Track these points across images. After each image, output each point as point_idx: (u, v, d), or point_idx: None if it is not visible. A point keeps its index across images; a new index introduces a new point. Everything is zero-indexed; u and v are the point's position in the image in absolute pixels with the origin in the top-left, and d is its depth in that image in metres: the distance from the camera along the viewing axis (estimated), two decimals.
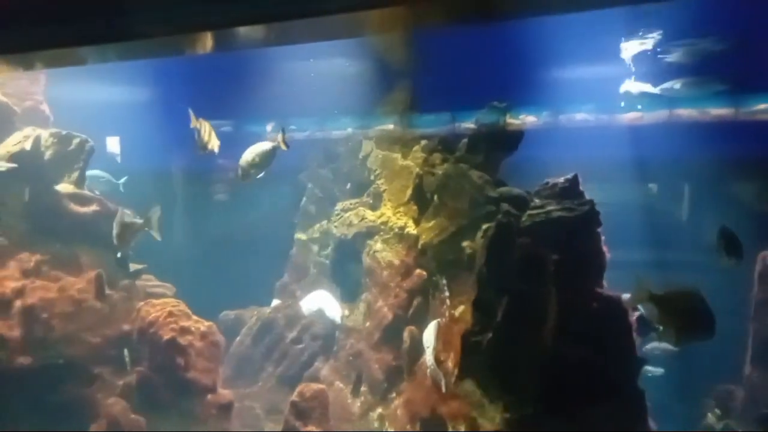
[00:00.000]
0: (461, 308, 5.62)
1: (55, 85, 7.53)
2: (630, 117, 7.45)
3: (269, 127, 8.62)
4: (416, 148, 6.86)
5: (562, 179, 5.05)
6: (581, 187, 5.03)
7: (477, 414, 4.94)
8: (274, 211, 8.88)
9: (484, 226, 5.30)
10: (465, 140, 5.90)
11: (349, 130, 8.27)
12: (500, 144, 5.70)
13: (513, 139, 5.67)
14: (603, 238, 4.95)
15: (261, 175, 5.25)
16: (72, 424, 6.08)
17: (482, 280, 5.05)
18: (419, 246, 6.29)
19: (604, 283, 4.91)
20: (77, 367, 6.27)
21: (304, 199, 8.44)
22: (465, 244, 5.56)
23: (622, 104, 7.27)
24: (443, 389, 5.23)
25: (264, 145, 5.23)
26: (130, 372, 6.30)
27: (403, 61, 7.34)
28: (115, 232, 5.53)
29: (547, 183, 5.09)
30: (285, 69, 7.68)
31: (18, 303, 6.22)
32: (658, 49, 6.67)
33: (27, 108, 7.12)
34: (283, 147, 5.20)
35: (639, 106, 7.22)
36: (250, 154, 5.22)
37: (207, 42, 3.42)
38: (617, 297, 4.77)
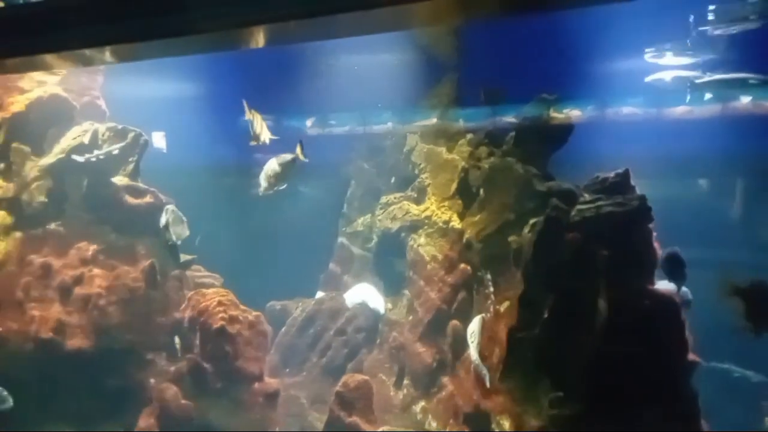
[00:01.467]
0: (506, 304, 5.58)
1: (109, 81, 7.82)
2: (680, 111, 7.23)
3: (309, 122, 8.72)
4: (462, 141, 6.83)
5: (612, 174, 4.95)
6: (632, 182, 4.93)
7: (522, 410, 4.91)
8: (319, 205, 9.00)
9: (532, 221, 5.23)
10: (512, 133, 5.84)
11: (390, 124, 8.29)
12: (549, 137, 5.62)
13: (562, 132, 5.58)
14: (654, 234, 4.84)
15: (283, 187, 5.45)
16: (127, 407, 6.33)
17: (529, 276, 5.00)
18: (464, 240, 6.27)
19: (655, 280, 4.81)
20: (131, 353, 6.50)
21: (349, 192, 8.52)
22: (511, 239, 5.50)
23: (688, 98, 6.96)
24: (487, 384, 5.21)
25: (284, 158, 5.40)
26: (181, 359, 6.50)
27: (445, 54, 7.31)
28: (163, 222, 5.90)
29: (598, 177, 4.99)
30: (327, 63, 7.75)
31: (77, 290, 6.50)
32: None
33: (85, 103, 7.41)
34: (302, 158, 5.32)
35: (708, 96, 6.88)
36: (270, 167, 5.41)
37: (252, 37, 3.49)
38: (669, 294, 4.66)
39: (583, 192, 5.04)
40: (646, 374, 4.48)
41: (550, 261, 4.83)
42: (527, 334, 4.86)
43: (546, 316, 4.73)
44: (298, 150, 5.30)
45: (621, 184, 4.88)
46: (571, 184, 5.32)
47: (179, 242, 6.38)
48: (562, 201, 4.97)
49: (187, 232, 6.42)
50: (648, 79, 7.09)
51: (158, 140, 8.57)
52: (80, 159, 6.71)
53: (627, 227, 4.70)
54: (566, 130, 5.61)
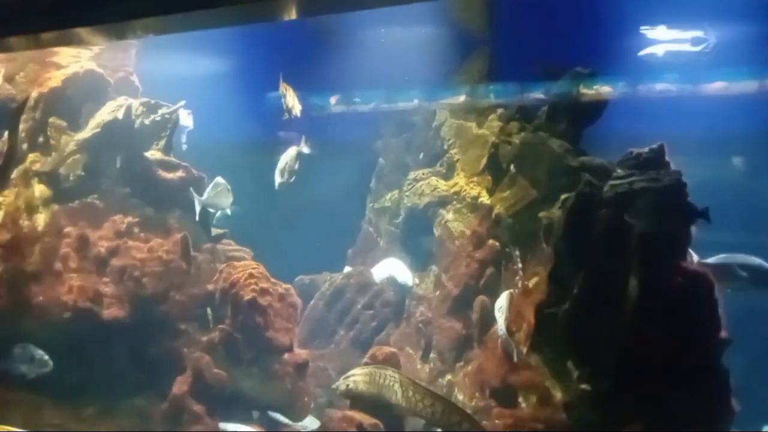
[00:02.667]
0: (535, 280, 5.56)
1: (142, 57, 7.90)
2: (716, 87, 7.00)
3: (333, 100, 8.69)
4: (492, 116, 6.76)
5: (646, 149, 4.85)
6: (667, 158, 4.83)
7: (550, 385, 4.93)
8: (347, 181, 9.02)
9: (563, 197, 5.18)
10: (545, 108, 5.75)
11: (416, 101, 8.21)
12: (583, 112, 5.52)
13: (597, 108, 5.48)
14: None
15: (293, 179, 6.25)
16: (160, 375, 6.52)
17: (559, 252, 4.97)
18: (493, 216, 6.25)
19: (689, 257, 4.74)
20: (165, 323, 6.67)
21: (377, 168, 8.52)
22: (542, 214, 5.46)
23: None
24: (515, 359, 5.24)
25: (290, 153, 6.12)
26: (213, 329, 6.65)
27: (476, 27, 7.20)
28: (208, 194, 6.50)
29: (631, 153, 4.90)
30: (354, 38, 7.68)
31: (113, 261, 6.68)
32: None
33: (119, 79, 7.53)
34: (305, 151, 6.04)
35: None
36: (280, 164, 6.17)
37: (281, 8, 3.48)
38: (703, 272, 4.60)
39: (616, 168, 4.96)
40: (676, 351, 4.45)
41: (582, 237, 4.78)
42: (556, 310, 4.85)
43: (576, 291, 4.70)
44: (303, 143, 5.81)
45: (655, 160, 4.78)
46: (604, 159, 5.25)
47: (228, 212, 6.76)
48: (595, 176, 4.91)
49: (231, 200, 6.78)
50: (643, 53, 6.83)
51: (185, 117, 8.67)
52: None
53: (661, 203, 4.62)
54: (600, 105, 5.51)
